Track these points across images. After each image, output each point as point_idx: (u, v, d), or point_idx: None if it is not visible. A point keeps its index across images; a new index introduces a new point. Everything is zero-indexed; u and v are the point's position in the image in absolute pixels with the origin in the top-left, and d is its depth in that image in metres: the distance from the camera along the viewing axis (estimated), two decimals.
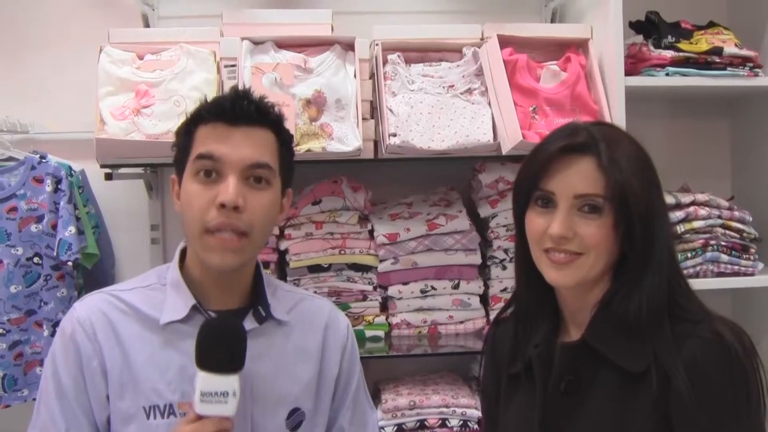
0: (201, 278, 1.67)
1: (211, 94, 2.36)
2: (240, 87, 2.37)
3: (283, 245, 2.59)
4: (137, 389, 1.59)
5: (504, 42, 2.50)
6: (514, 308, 1.70)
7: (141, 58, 2.48)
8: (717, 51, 2.54)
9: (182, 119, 1.70)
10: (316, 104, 2.40)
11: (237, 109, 1.60)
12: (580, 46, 2.60)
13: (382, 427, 2.49)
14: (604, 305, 1.50)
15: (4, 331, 2.56)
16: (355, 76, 2.46)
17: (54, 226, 2.57)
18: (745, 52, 2.57)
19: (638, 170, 1.46)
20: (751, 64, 2.57)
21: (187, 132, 1.63)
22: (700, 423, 1.36)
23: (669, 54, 2.53)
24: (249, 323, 1.65)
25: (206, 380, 1.45)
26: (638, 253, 1.46)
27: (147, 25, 2.75)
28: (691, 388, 1.36)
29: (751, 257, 2.60)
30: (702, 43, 2.58)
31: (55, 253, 2.54)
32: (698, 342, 1.39)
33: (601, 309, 1.50)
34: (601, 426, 1.46)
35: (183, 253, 1.73)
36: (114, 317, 1.64)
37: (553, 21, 2.91)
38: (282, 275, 2.62)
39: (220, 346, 1.50)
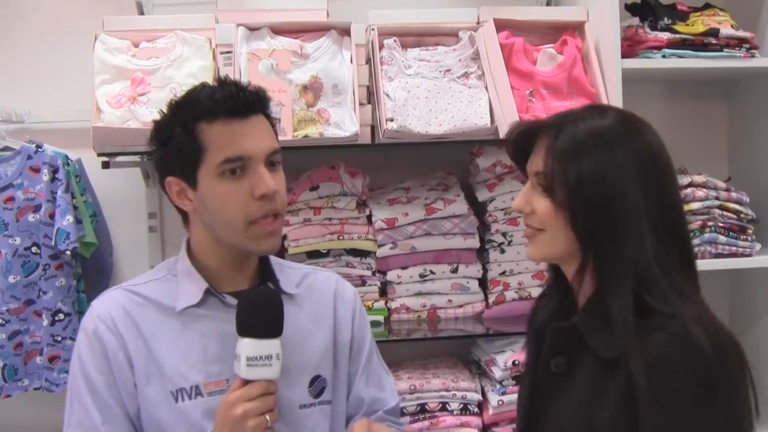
0: (214, 264, 1.71)
1: (208, 81, 2.35)
2: (235, 74, 2.38)
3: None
4: (163, 375, 1.64)
5: (500, 25, 2.50)
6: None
7: (136, 45, 2.48)
8: (713, 32, 2.53)
9: None
10: (312, 90, 2.40)
11: (243, 101, 1.62)
12: (576, 29, 2.60)
13: None
14: (596, 293, 1.48)
15: (4, 321, 2.57)
16: (351, 61, 2.46)
17: (51, 216, 2.57)
18: (741, 33, 2.57)
19: (581, 156, 1.43)
20: (747, 45, 2.56)
21: (186, 131, 1.61)
22: (656, 418, 1.33)
23: (665, 36, 2.53)
24: None
25: (251, 346, 1.53)
26: (589, 241, 1.45)
27: (141, 13, 2.73)
28: (651, 382, 1.33)
29: (749, 238, 2.60)
30: (698, 24, 2.58)
31: (53, 243, 2.54)
32: (663, 336, 1.35)
33: (593, 296, 1.48)
34: (576, 409, 1.46)
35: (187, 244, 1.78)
36: (132, 310, 1.69)
37: (548, 4, 2.90)
38: None
39: (262, 313, 1.57)
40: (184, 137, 1.61)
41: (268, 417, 1.54)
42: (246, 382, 1.54)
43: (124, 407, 1.64)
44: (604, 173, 1.42)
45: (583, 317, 1.49)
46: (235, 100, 1.61)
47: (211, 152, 1.59)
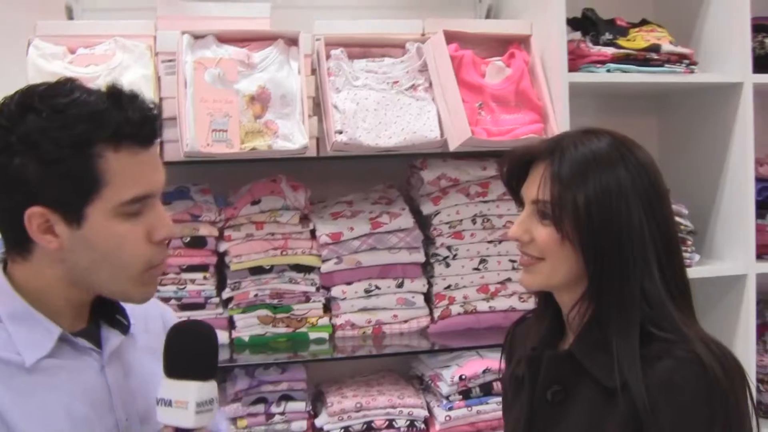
0: (57, 304, 1.39)
1: (149, 91, 2.25)
2: (179, 83, 2.26)
3: (222, 247, 2.50)
4: None
5: (448, 38, 2.47)
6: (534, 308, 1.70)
7: (72, 52, 2.35)
8: (655, 48, 2.58)
9: None
10: (260, 101, 2.33)
11: (152, 128, 1.36)
12: (522, 42, 2.60)
13: (328, 431, 2.45)
14: (593, 320, 1.46)
15: None
16: (299, 71, 2.39)
17: None
18: (681, 49, 2.63)
19: (587, 180, 1.42)
20: (687, 61, 2.62)
21: (79, 154, 1.27)
22: None
23: (609, 51, 2.56)
24: (114, 338, 1.46)
25: (201, 389, 1.33)
26: (595, 269, 1.43)
27: (71, 18, 2.58)
28: (661, 411, 1.32)
29: (689, 249, 2.66)
30: (639, 40, 2.62)
31: None
32: (671, 362, 1.34)
33: (590, 322, 1.46)
34: None
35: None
36: None
37: (487, 17, 2.89)
38: (221, 278, 2.53)
39: (206, 352, 1.39)
40: (74, 162, 1.27)
41: None
42: None
43: None
44: (610, 197, 1.41)
45: (580, 345, 1.47)
46: (151, 126, 1.34)
47: (112, 187, 1.29)
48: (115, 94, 1.33)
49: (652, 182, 1.45)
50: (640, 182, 1.43)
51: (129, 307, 1.51)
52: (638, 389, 1.34)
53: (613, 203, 1.40)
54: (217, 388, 1.38)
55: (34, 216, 1.29)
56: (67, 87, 1.32)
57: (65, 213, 1.30)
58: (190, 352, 1.37)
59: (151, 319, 1.58)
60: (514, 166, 1.56)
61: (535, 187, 1.47)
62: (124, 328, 1.49)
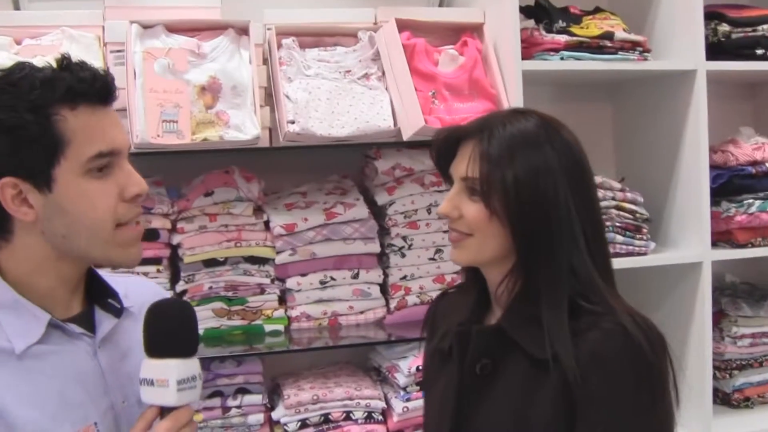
0: (47, 286, 1.42)
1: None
2: (128, 74, 2.23)
3: (175, 239, 2.47)
4: None
5: (401, 26, 2.46)
6: (459, 282, 1.73)
7: (18, 43, 2.30)
8: (608, 36, 2.58)
9: None
10: (211, 91, 2.30)
11: (107, 85, 1.38)
12: (475, 30, 2.59)
13: (285, 424, 2.43)
14: (521, 294, 1.49)
15: None
16: (250, 61, 2.36)
17: None
18: (634, 37, 2.62)
19: (515, 158, 1.45)
20: (640, 49, 2.63)
21: (38, 119, 1.31)
22: (596, 416, 1.36)
23: (563, 38, 2.55)
24: (107, 321, 1.49)
25: (180, 367, 1.34)
26: (525, 243, 1.46)
27: (17, 8, 2.54)
28: (591, 381, 1.35)
29: (644, 237, 2.67)
30: (592, 27, 2.62)
31: None
32: (599, 334, 1.38)
33: (518, 297, 1.49)
34: (505, 410, 1.46)
35: None
36: None
37: (441, 5, 2.87)
38: (175, 271, 2.50)
39: (184, 329, 1.40)
40: (35, 126, 1.31)
41: None
42: (161, 411, 1.34)
43: None
44: (537, 175, 1.44)
45: (509, 318, 1.49)
46: (103, 83, 1.37)
47: (75, 145, 1.33)
48: (64, 61, 1.37)
49: (577, 160, 1.49)
50: (565, 161, 1.46)
51: (131, 291, 1.57)
52: (568, 360, 1.37)
53: (540, 181, 1.44)
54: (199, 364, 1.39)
55: (6, 186, 1.33)
56: (18, 66, 1.36)
57: (35, 179, 1.34)
58: (168, 331, 1.38)
59: (147, 296, 1.55)
60: (442, 144, 1.58)
61: (464, 164, 1.50)
62: (117, 311, 1.52)
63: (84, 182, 1.35)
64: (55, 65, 1.37)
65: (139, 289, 1.63)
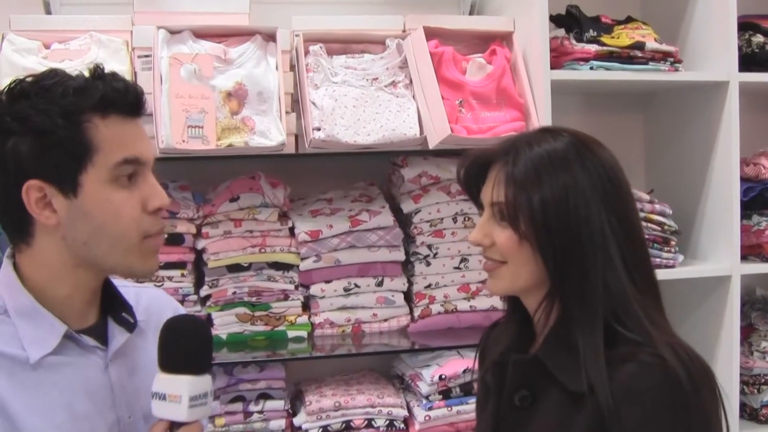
0: (65, 295, 1.42)
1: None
2: (155, 79, 2.25)
3: (200, 244, 2.47)
4: None
5: (429, 34, 2.44)
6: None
7: (47, 47, 2.32)
8: (639, 45, 2.55)
9: None
10: (237, 97, 2.30)
11: (137, 98, 1.41)
12: (504, 38, 2.58)
13: (306, 430, 2.43)
14: (558, 321, 1.44)
15: None
16: (276, 68, 2.37)
17: None
18: (665, 47, 2.59)
19: (542, 180, 1.40)
20: (671, 59, 2.59)
21: (70, 124, 1.32)
22: None
23: (593, 48, 2.53)
24: (120, 335, 1.49)
25: (193, 383, 1.34)
26: (557, 269, 1.41)
27: (48, 12, 2.56)
28: (625, 416, 1.30)
29: (672, 249, 2.64)
30: (623, 37, 2.59)
31: None
32: (635, 366, 1.32)
33: (556, 324, 1.44)
34: None
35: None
36: None
37: (471, 13, 2.86)
38: (199, 276, 2.51)
39: (198, 345, 1.40)
40: (66, 131, 1.32)
41: None
42: (171, 426, 1.34)
43: None
44: (566, 197, 1.39)
45: (546, 348, 1.44)
46: (135, 95, 1.39)
47: (103, 153, 1.34)
48: (98, 71, 1.39)
49: (611, 179, 1.43)
50: (598, 180, 1.41)
51: (143, 305, 1.58)
52: (604, 392, 1.32)
53: (570, 201, 1.38)
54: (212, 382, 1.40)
55: (32, 189, 1.34)
56: (51, 73, 1.38)
57: (61, 183, 1.34)
58: (183, 347, 1.38)
59: (161, 315, 1.55)
60: (470, 169, 1.55)
61: (491, 189, 1.46)
62: (131, 326, 1.51)
63: (109, 190, 1.37)
64: (87, 74, 1.38)
65: (152, 302, 1.63)
